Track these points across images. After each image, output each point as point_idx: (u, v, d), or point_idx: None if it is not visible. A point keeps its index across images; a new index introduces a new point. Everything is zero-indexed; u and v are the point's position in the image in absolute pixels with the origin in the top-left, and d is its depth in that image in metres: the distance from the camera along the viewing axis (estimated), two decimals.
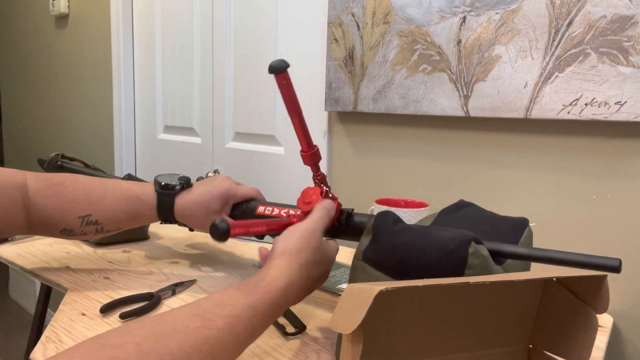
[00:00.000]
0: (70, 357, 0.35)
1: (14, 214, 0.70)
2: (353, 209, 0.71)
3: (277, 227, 0.62)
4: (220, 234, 0.52)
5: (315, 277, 0.58)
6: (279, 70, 0.62)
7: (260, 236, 0.83)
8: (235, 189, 0.82)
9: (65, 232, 0.75)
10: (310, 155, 0.68)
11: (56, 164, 1.04)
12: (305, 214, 0.64)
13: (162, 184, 0.79)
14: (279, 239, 0.57)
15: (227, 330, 0.44)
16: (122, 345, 0.37)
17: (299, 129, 0.66)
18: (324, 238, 0.63)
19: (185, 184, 0.80)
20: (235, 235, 0.54)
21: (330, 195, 0.71)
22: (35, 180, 0.73)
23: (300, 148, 0.68)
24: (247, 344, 0.48)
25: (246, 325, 0.46)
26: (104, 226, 0.76)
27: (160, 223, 0.82)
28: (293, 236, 0.57)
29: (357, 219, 0.70)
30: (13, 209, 0.70)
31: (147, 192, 0.78)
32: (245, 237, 1.10)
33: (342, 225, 0.71)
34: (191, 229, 0.91)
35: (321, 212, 0.63)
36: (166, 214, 0.79)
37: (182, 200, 0.78)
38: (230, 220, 0.53)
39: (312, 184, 0.71)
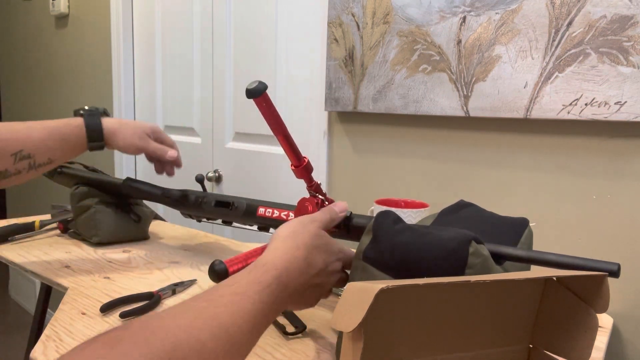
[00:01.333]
0: (77, 349, 0.34)
1: None
2: (351, 212, 0.71)
3: None
4: (219, 274, 0.54)
5: (317, 263, 0.56)
6: (257, 93, 0.60)
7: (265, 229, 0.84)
8: (161, 129, 0.92)
9: (0, 176, 0.75)
10: (302, 169, 0.68)
11: (55, 170, 1.04)
12: None
13: (86, 108, 0.85)
14: (278, 227, 0.57)
15: (234, 307, 0.43)
16: (128, 327, 0.36)
17: (286, 145, 0.66)
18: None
19: (106, 110, 0.88)
20: (235, 272, 0.55)
21: (326, 204, 0.70)
22: None
23: (290, 163, 0.68)
24: (264, 322, 0.46)
25: (254, 300, 0.44)
26: (36, 159, 0.78)
27: (89, 149, 0.84)
28: (291, 223, 0.57)
29: (355, 221, 0.70)
30: None
31: (74, 118, 0.84)
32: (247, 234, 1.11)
33: (341, 228, 0.71)
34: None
35: (327, 210, 0.63)
36: (95, 133, 0.83)
37: (111, 120, 0.85)
38: (226, 260, 0.54)
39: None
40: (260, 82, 0.60)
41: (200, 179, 0.94)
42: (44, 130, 0.79)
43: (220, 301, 0.43)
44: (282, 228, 0.57)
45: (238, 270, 0.56)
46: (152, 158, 0.92)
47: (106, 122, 0.84)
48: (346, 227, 0.70)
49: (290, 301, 0.52)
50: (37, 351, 0.59)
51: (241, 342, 0.42)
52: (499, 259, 0.53)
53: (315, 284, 0.56)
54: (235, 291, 0.44)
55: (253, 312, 0.44)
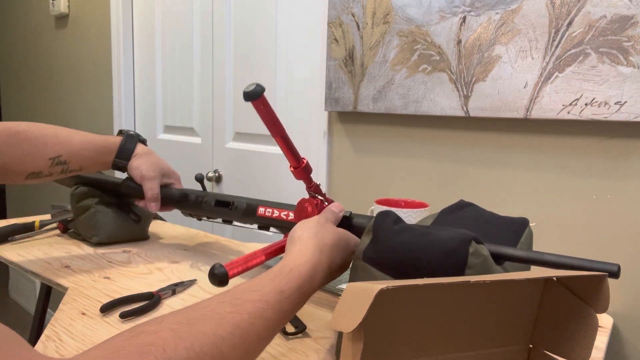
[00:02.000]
0: (109, 345, 0.35)
1: None
2: (351, 212, 0.71)
3: (275, 251, 0.63)
4: (220, 279, 0.54)
5: (337, 262, 0.58)
6: (256, 95, 0.60)
7: (265, 227, 0.84)
8: (173, 172, 0.97)
9: (33, 176, 0.78)
10: (301, 170, 0.68)
11: None
12: None
13: (130, 131, 0.91)
14: (295, 228, 0.58)
15: (257, 315, 0.44)
16: (157, 331, 0.37)
17: (285, 147, 0.66)
18: None
19: (144, 140, 0.94)
20: (234, 276, 0.55)
21: (326, 204, 0.71)
22: None
23: (289, 165, 0.68)
24: (277, 329, 0.48)
25: (275, 309, 0.46)
26: (70, 166, 0.82)
27: (113, 165, 0.89)
28: (308, 223, 0.59)
29: (356, 220, 0.70)
30: None
31: (114, 136, 0.90)
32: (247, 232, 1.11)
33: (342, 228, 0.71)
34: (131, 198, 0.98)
35: (328, 211, 0.65)
36: (124, 154, 0.89)
37: (142, 147, 0.92)
38: (226, 263, 0.54)
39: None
40: (258, 85, 0.60)
41: (200, 179, 0.94)
42: (83, 140, 0.83)
43: (244, 308, 0.44)
44: (303, 230, 0.58)
45: (238, 273, 0.56)
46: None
47: (139, 147, 0.91)
48: (347, 227, 0.70)
49: (308, 299, 0.54)
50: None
51: (257, 349, 0.44)
52: (499, 259, 0.53)
53: (334, 274, 0.58)
54: (259, 298, 0.46)
55: (273, 320, 0.46)
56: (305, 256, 0.53)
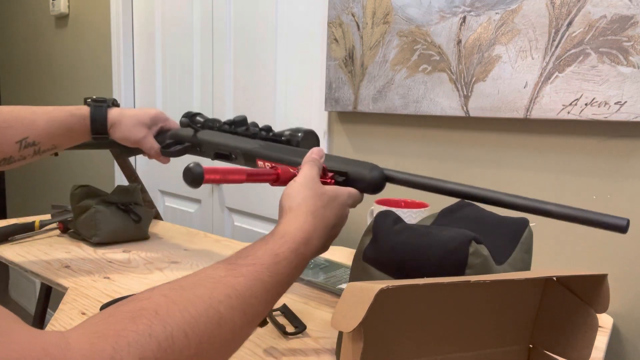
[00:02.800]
0: (101, 313, 0.35)
1: None
2: (347, 172, 0.66)
3: (257, 178, 0.58)
4: (194, 178, 0.49)
5: (332, 221, 0.56)
6: (198, 181, 0.51)
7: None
8: (166, 116, 0.89)
9: (4, 162, 0.76)
10: (280, 182, 0.62)
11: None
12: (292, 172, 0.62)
13: (94, 97, 0.85)
14: (282, 198, 0.56)
15: (252, 277, 0.43)
16: (150, 297, 0.37)
17: (256, 178, 0.59)
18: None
19: (115, 101, 0.87)
20: (210, 182, 0.51)
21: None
22: None
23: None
24: (277, 294, 0.47)
25: (271, 272, 0.45)
26: (41, 146, 0.79)
27: (92, 138, 0.84)
28: (294, 190, 0.56)
29: (353, 172, 0.65)
30: None
31: (80, 107, 0.84)
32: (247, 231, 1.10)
33: (341, 184, 0.66)
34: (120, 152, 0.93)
35: (309, 163, 0.60)
36: (99, 125, 0.83)
37: (115, 111, 0.84)
38: (206, 166, 0.50)
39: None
40: (197, 164, 0.51)
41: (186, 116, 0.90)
42: (48, 119, 0.80)
43: (238, 271, 0.43)
44: (289, 197, 0.55)
45: (214, 181, 0.51)
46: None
47: (111, 113, 0.84)
48: (345, 183, 0.66)
49: (307, 263, 0.53)
50: None
51: (257, 312, 0.43)
52: (494, 205, 0.53)
53: (329, 237, 0.57)
54: (253, 262, 0.45)
55: (269, 283, 0.45)
56: (297, 223, 0.52)
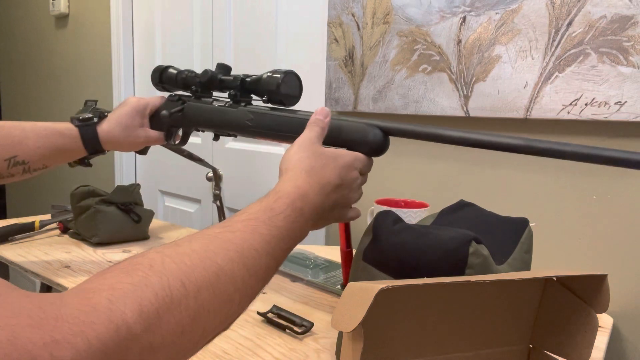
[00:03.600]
0: (97, 274, 0.34)
1: None
2: (344, 146, 0.63)
3: None
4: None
5: (333, 181, 0.54)
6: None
7: None
8: (145, 99, 0.85)
9: None
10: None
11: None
12: None
13: (80, 118, 0.81)
14: (281, 161, 0.56)
15: (249, 231, 0.42)
16: (144, 254, 0.36)
17: None
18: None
19: (101, 114, 0.83)
20: None
21: None
22: None
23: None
24: (278, 248, 0.45)
25: (268, 225, 0.44)
26: (31, 165, 0.77)
27: (89, 155, 0.82)
28: (289, 152, 0.55)
29: (351, 142, 0.62)
30: None
31: (69, 127, 0.80)
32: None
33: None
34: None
35: (310, 125, 0.60)
36: (93, 144, 0.80)
37: (103, 128, 0.81)
38: None
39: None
40: None
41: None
42: (38, 139, 0.77)
43: (234, 227, 0.42)
44: (284, 160, 0.55)
45: None
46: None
47: (102, 131, 0.81)
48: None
49: (311, 222, 0.51)
50: None
51: (259, 265, 0.42)
52: (491, 148, 0.50)
53: (334, 200, 0.54)
54: (247, 217, 0.44)
55: (268, 235, 0.43)
56: (291, 181, 0.51)
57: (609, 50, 0.79)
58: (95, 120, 0.81)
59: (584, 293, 0.48)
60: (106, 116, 0.83)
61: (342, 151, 0.57)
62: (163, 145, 0.89)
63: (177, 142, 0.87)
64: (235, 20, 1.51)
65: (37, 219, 1.11)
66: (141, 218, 1.05)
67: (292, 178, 0.51)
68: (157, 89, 0.87)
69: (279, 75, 0.69)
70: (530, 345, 0.54)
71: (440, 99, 0.99)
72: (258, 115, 0.70)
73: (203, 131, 0.83)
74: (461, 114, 0.96)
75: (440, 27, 0.98)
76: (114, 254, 0.96)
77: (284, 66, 1.38)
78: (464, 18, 0.95)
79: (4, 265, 0.98)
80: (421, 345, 0.49)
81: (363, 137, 0.60)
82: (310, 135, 0.57)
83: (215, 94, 0.80)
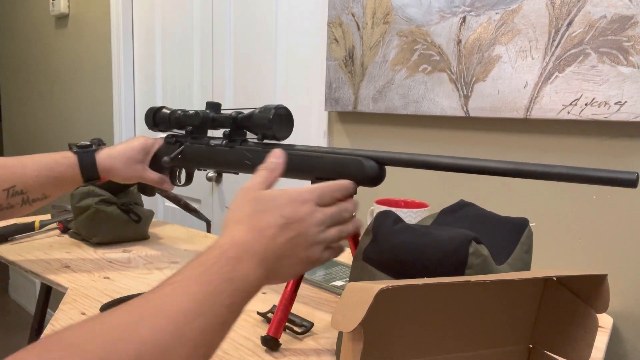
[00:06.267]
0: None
1: None
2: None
3: None
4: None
5: (273, 222, 0.49)
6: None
7: None
8: (153, 139, 0.87)
9: None
10: None
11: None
12: None
13: (79, 145, 0.83)
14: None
15: (178, 293, 0.39)
16: (63, 331, 0.34)
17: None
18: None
19: (99, 142, 0.86)
20: None
21: None
22: None
23: None
24: (217, 303, 0.41)
25: (199, 281, 0.41)
26: (30, 195, 0.77)
27: (85, 183, 0.83)
28: (231, 204, 0.52)
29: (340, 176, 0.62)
30: None
31: (66, 156, 0.81)
32: None
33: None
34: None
35: (260, 168, 0.56)
36: (90, 171, 0.81)
37: (103, 156, 0.82)
38: None
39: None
40: None
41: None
42: (36, 168, 0.78)
43: (160, 292, 0.39)
44: (227, 212, 0.52)
45: None
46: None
47: (100, 158, 0.82)
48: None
49: (261, 271, 0.46)
50: None
51: (198, 329, 0.38)
52: (482, 173, 0.51)
53: (285, 242, 0.49)
54: (176, 279, 0.41)
55: (201, 293, 0.40)
56: (227, 233, 0.48)
57: (609, 50, 0.79)
58: (94, 147, 0.83)
59: (584, 293, 0.48)
60: (105, 145, 0.85)
61: (284, 190, 0.52)
62: (160, 194, 0.90)
63: (182, 183, 0.89)
64: (235, 20, 1.51)
65: (37, 218, 1.11)
66: (141, 218, 1.05)
67: (228, 231, 0.48)
68: (153, 130, 0.89)
69: (268, 112, 0.71)
70: (530, 345, 0.54)
71: (440, 99, 0.99)
72: (255, 153, 0.72)
73: (205, 170, 0.85)
74: (461, 114, 0.96)
75: (440, 27, 0.98)
76: (114, 253, 0.96)
77: (284, 66, 1.39)
78: (464, 18, 0.95)
79: (4, 265, 0.98)
80: (421, 345, 0.49)
81: (359, 169, 0.59)
82: (253, 182, 0.53)
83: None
